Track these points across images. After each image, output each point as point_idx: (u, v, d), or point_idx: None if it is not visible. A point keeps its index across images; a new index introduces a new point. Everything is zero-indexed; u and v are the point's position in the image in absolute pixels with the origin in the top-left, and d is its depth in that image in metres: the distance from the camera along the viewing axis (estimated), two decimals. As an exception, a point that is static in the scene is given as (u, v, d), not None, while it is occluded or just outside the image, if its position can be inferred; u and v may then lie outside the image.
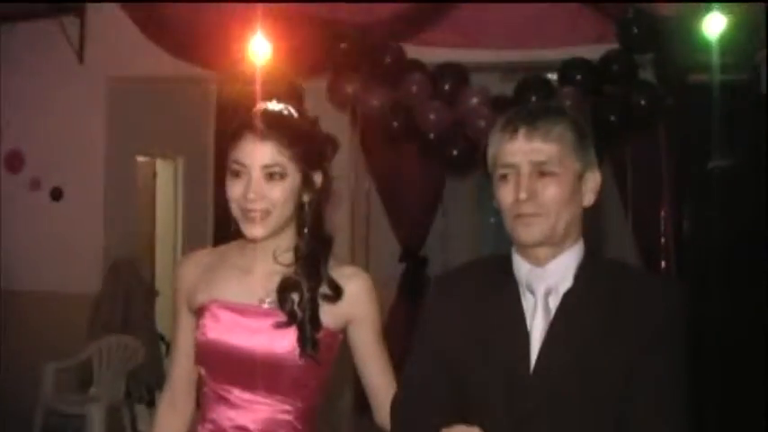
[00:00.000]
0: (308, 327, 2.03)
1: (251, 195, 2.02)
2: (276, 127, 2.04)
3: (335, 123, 6.02)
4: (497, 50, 5.98)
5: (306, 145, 2.05)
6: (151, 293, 7.18)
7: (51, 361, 6.37)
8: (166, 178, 8.00)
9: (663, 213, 5.66)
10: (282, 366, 2.04)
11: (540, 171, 1.81)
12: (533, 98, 5.37)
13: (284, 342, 2.03)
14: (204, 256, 2.24)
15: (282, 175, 2.03)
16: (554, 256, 1.86)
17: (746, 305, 5.30)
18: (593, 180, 1.88)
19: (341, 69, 5.86)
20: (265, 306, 2.07)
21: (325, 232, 2.14)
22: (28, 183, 7.23)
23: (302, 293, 2.05)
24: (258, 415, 2.06)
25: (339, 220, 6.30)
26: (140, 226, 7.65)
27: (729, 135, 5.13)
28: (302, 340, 2.02)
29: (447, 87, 5.76)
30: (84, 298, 6.79)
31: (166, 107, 7.25)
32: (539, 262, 1.86)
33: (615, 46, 5.55)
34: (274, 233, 2.07)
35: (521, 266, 1.89)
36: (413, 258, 6.72)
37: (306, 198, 2.08)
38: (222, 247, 2.22)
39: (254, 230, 2.05)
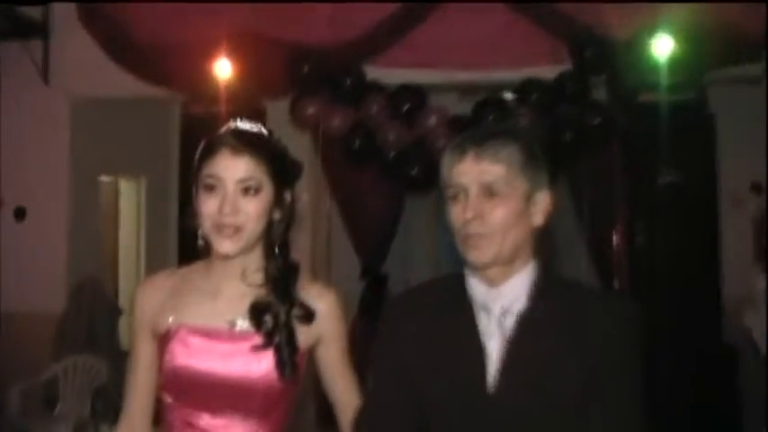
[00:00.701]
0: (285, 350, 1.99)
1: (226, 209, 1.98)
2: (250, 142, 2.01)
3: (297, 144, 6.12)
4: (455, 71, 6.08)
5: (278, 162, 2.03)
6: (115, 311, 7.15)
7: (17, 382, 6.30)
8: (130, 198, 8.01)
9: (615, 229, 5.79)
10: (257, 389, 2.00)
11: (488, 192, 1.82)
12: (490, 117, 5.52)
13: (260, 365, 1.99)
14: (165, 279, 2.15)
15: (257, 190, 1.99)
16: (506, 277, 1.86)
17: (697, 316, 5.44)
18: (544, 201, 1.88)
19: (303, 91, 5.96)
20: (237, 329, 2.02)
21: (291, 258, 2.10)
22: None
23: (277, 316, 2.01)
24: None
25: (300, 238, 6.40)
26: (104, 245, 7.65)
27: (678, 152, 5.27)
28: (281, 364, 1.98)
29: (406, 108, 5.88)
30: (48, 316, 6.77)
31: (130, 127, 7.27)
32: (492, 283, 1.87)
33: (569, 67, 5.69)
34: (244, 251, 2.03)
35: (475, 287, 1.89)
36: (373, 276, 6.74)
37: (276, 216, 2.05)
38: (184, 269, 2.16)
39: (226, 246, 2.00)
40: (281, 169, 2.04)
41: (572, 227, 6.22)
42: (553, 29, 5.82)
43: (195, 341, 2.02)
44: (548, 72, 5.76)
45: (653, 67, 5.20)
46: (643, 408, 1.81)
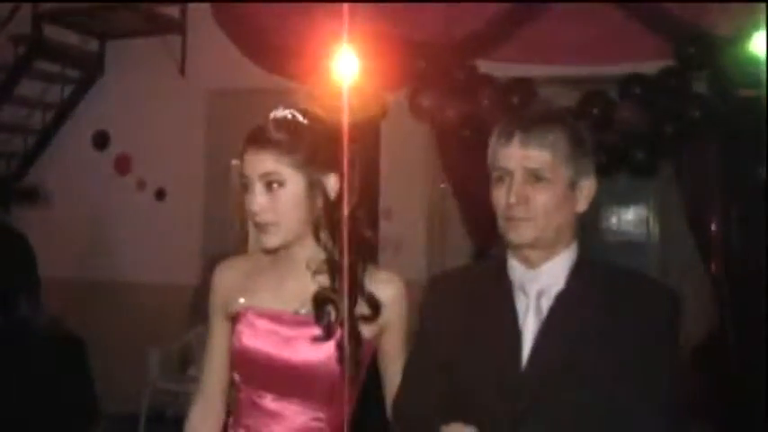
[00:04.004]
0: (348, 345, 1.96)
1: (254, 207, 1.95)
2: (275, 135, 1.95)
3: (416, 133, 6.51)
4: (563, 66, 6.28)
5: (309, 149, 1.95)
6: None
7: (156, 345, 6.84)
8: None
9: (714, 218, 5.95)
10: (317, 375, 1.98)
11: (532, 177, 1.81)
12: (594, 110, 5.78)
13: (320, 351, 1.97)
14: (242, 262, 2.15)
15: (281, 183, 1.94)
16: (546, 259, 1.85)
17: None
18: (588, 187, 1.87)
19: (419, 85, 6.25)
20: (301, 314, 2.01)
21: (362, 238, 2.04)
22: (134, 184, 7.70)
23: (339, 310, 1.96)
24: (292, 422, 2.01)
25: (417, 219, 6.76)
26: (234, 224, 8.10)
27: None
28: (343, 359, 1.95)
29: (516, 100, 6.08)
30: (184, 288, 7.11)
31: (259, 116, 7.63)
32: (531, 264, 1.86)
33: (671, 63, 5.85)
34: (294, 241, 2.00)
35: (514, 268, 1.89)
36: (486, 257, 6.96)
37: (320, 203, 1.98)
38: (257, 255, 2.11)
39: (267, 241, 1.98)
40: (314, 155, 1.96)
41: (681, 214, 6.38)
42: (658, 26, 5.97)
43: (261, 324, 2.02)
44: (652, 67, 5.91)
45: (753, 62, 5.32)
46: (681, 400, 1.80)
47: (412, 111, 6.29)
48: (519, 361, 1.81)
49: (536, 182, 1.81)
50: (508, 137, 1.84)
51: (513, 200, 1.81)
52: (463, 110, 6.16)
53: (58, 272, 7.13)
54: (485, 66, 6.35)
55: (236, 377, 2.08)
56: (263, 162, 1.94)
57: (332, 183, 1.99)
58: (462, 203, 6.89)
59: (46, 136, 7.94)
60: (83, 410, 6.58)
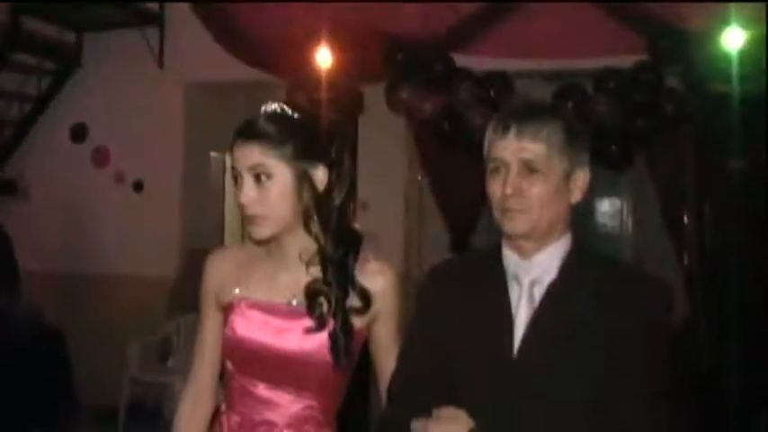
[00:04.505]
0: (340, 337, 1.99)
1: (243, 200, 1.98)
2: (263, 128, 1.97)
3: (393, 125, 6.58)
4: (539, 60, 6.37)
5: (296, 142, 1.97)
6: None
7: (136, 338, 6.84)
8: None
9: (687, 209, 6.09)
10: (310, 365, 2.02)
11: (528, 169, 1.83)
12: (569, 103, 5.83)
13: (313, 341, 2.00)
14: (234, 252, 2.18)
15: (269, 175, 1.97)
16: (539, 249, 1.88)
17: (763, 296, 5.68)
18: (582, 179, 1.89)
19: (396, 77, 6.30)
20: (294, 305, 2.04)
21: (352, 231, 2.08)
22: (113, 176, 7.69)
23: (330, 302, 2.00)
24: (286, 410, 2.04)
25: (395, 213, 6.81)
26: (211, 215, 8.03)
27: (746, 139, 5.46)
28: (335, 351, 1.99)
29: (493, 93, 6.17)
30: (162, 280, 7.19)
31: (237, 108, 7.49)
32: (524, 254, 1.89)
33: (645, 57, 5.95)
34: (285, 232, 2.03)
35: (508, 258, 1.91)
36: (462, 249, 6.73)
37: (308, 195, 2.00)
38: (249, 246, 2.13)
39: (256, 233, 2.01)
40: (302, 147, 1.98)
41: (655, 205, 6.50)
42: (632, 22, 6.08)
43: (254, 314, 2.05)
44: (626, 62, 5.99)
45: (724, 58, 5.41)
46: (670, 391, 1.81)
47: (389, 104, 6.35)
48: (511, 348, 1.84)
49: (531, 173, 1.84)
50: (504, 129, 1.86)
51: (508, 191, 1.84)
52: (440, 103, 6.22)
53: (35, 265, 7.06)
54: (461, 60, 6.41)
55: (229, 366, 2.10)
56: (251, 154, 1.97)
57: (320, 175, 2.01)
58: (439, 196, 6.96)
59: (23, 128, 7.92)
60: (62, 401, 6.58)
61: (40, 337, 6.54)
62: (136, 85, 7.60)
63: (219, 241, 8.18)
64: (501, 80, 6.27)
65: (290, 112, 2.01)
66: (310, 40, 6.26)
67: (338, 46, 6.22)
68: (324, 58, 6.28)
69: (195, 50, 7.31)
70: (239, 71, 7.09)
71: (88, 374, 6.65)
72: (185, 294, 7.12)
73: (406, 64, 6.31)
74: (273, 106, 2.02)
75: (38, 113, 7.91)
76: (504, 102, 6.14)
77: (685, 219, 6.09)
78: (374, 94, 6.41)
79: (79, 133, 7.85)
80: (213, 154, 7.98)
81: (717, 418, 5.59)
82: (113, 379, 6.80)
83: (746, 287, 5.56)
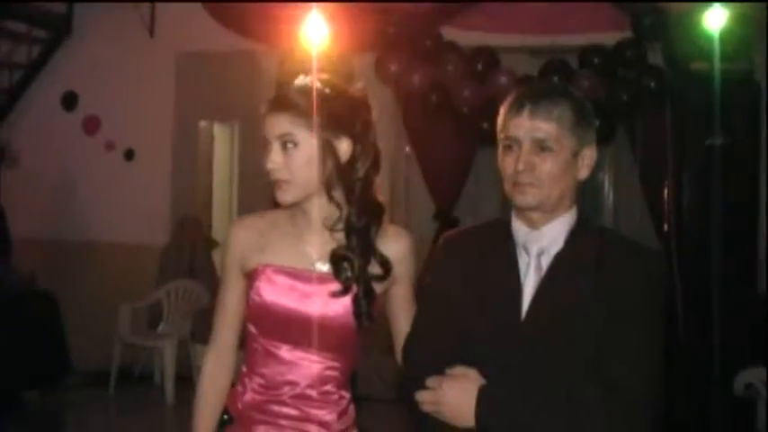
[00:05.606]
0: (363, 302, 2.08)
1: (270, 165, 2.07)
2: (293, 99, 2.06)
3: (381, 96, 6.65)
4: (525, 35, 6.48)
5: (323, 114, 2.05)
6: (211, 244, 7.56)
7: (127, 302, 6.98)
8: (224, 140, 8.33)
9: (667, 184, 6.23)
10: (334, 327, 2.10)
11: (539, 147, 1.94)
12: (555, 78, 5.89)
13: (338, 306, 2.09)
14: (256, 221, 2.22)
15: (295, 144, 2.05)
16: (547, 221, 1.99)
17: (737, 265, 5.87)
18: (590, 156, 2.00)
19: (386, 50, 6.39)
20: (319, 271, 2.12)
21: (376, 203, 2.14)
22: (103, 145, 7.79)
23: (354, 268, 2.09)
24: (308, 371, 2.12)
25: (380, 182, 6.92)
26: (201, 183, 8.07)
27: (725, 116, 5.58)
28: (358, 314, 2.08)
29: (480, 68, 6.29)
30: (152, 247, 7.32)
31: (226, 78, 7.41)
32: (533, 225, 1.99)
33: (629, 34, 6.08)
34: (308, 199, 2.11)
35: (518, 229, 2.02)
36: (446, 218, 6.95)
37: (329, 164, 2.08)
38: (271, 213, 2.21)
39: (281, 196, 2.10)
40: (328, 118, 2.06)
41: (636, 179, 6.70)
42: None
43: (281, 279, 2.12)
44: (610, 38, 6.13)
45: (705, 37, 5.49)
46: (662, 357, 1.91)
47: (378, 75, 6.42)
48: (519, 313, 1.95)
49: (542, 151, 1.94)
50: (519, 108, 1.96)
51: (521, 167, 1.94)
52: (428, 76, 6.32)
53: (26, 232, 7.25)
54: (449, 34, 6.51)
55: (252, 329, 2.17)
56: (280, 124, 2.06)
57: (344, 146, 2.09)
58: (425, 167, 7.09)
59: (14, 96, 7.98)
60: (54, 364, 6.73)
61: (32, 303, 6.74)
62: (126, 54, 7.67)
63: (208, 209, 8.26)
64: (487, 55, 6.39)
65: (319, 85, 2.09)
66: (301, 9, 6.27)
67: (330, 16, 6.26)
68: (315, 26, 6.30)
69: (186, 20, 7.39)
70: (230, 41, 7.15)
71: (79, 340, 6.91)
72: (175, 261, 7.33)
73: (396, 37, 6.39)
74: (306, 79, 2.10)
75: (28, 82, 7.97)
76: (490, 76, 6.26)
77: (665, 191, 6.23)
78: (364, 66, 6.42)
79: (70, 101, 7.92)
80: (202, 123, 8.01)
81: (692, 389, 5.76)
82: (104, 344, 6.94)
83: (722, 257, 5.70)
